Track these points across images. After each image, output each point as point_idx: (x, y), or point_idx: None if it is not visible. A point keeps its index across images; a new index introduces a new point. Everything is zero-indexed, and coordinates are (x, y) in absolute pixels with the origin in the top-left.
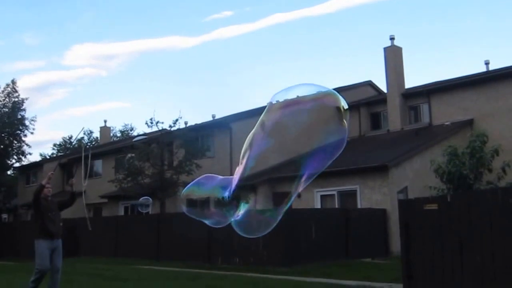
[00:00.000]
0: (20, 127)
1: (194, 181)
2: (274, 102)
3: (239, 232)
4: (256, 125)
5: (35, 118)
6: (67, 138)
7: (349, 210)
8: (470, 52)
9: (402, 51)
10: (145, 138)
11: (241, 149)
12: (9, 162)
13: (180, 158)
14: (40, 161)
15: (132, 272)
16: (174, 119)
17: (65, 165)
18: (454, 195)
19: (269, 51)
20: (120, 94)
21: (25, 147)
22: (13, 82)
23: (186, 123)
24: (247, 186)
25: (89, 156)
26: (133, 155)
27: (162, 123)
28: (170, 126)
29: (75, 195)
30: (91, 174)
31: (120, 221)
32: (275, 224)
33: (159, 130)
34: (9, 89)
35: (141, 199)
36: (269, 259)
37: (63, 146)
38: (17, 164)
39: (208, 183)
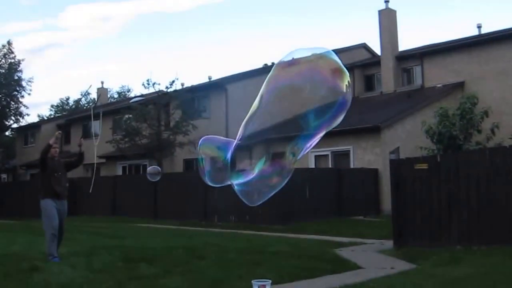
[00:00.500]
0: (17, 88)
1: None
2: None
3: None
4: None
5: (32, 79)
6: (64, 99)
7: (342, 170)
8: (463, 16)
9: (396, 14)
10: (142, 99)
11: (236, 110)
12: (7, 123)
13: (176, 119)
14: (37, 122)
15: (130, 230)
16: (171, 80)
17: (64, 126)
18: (443, 155)
19: (263, 14)
20: (116, 56)
21: (22, 108)
22: (9, 43)
23: (182, 84)
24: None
25: (100, 115)
26: (130, 116)
27: (159, 84)
28: (167, 87)
29: (83, 156)
30: (89, 134)
31: (118, 181)
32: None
33: (156, 92)
34: (5, 50)
35: (149, 168)
36: (264, 217)
37: (60, 107)
38: (15, 125)
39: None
